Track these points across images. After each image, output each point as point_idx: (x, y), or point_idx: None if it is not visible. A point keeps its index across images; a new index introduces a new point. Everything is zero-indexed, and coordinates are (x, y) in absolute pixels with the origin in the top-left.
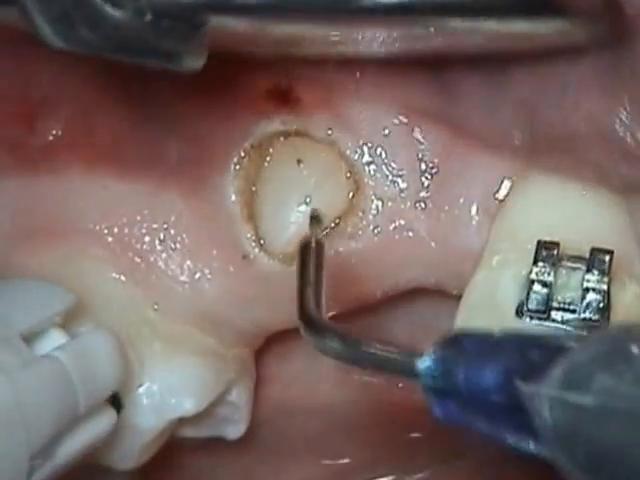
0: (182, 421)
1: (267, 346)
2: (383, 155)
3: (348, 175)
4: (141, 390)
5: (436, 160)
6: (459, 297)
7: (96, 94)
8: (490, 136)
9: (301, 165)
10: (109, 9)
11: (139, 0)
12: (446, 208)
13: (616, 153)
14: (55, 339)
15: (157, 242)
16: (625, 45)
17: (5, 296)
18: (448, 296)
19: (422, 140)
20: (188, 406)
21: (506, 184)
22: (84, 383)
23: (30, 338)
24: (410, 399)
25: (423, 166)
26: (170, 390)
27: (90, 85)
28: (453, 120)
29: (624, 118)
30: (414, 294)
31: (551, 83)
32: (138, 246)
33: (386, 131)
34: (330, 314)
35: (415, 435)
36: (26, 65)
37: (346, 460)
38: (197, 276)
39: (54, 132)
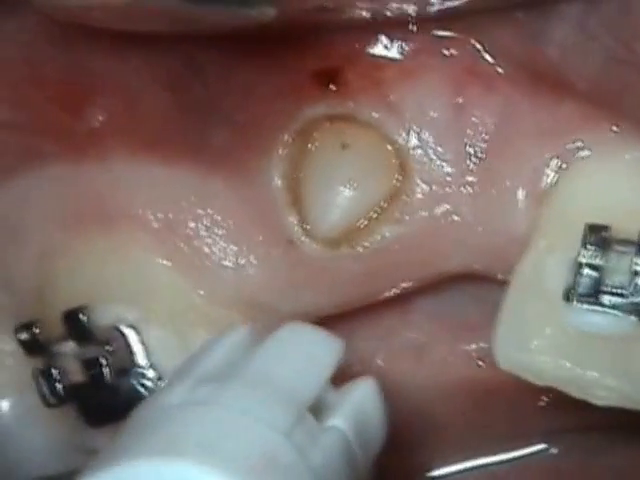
0: None
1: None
2: (430, 139)
3: (394, 159)
4: None
5: (483, 144)
6: (505, 282)
7: (142, 81)
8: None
9: (346, 149)
10: None
11: None
12: (493, 192)
13: None
14: (330, 400)
15: (202, 228)
16: None
17: (276, 358)
18: (495, 281)
19: (469, 124)
20: None
21: (554, 167)
22: (361, 446)
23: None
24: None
25: (470, 150)
26: None
27: (136, 72)
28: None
29: None
30: (462, 279)
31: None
32: (183, 231)
33: (432, 114)
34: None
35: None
36: (72, 51)
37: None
38: (242, 261)
39: (100, 118)
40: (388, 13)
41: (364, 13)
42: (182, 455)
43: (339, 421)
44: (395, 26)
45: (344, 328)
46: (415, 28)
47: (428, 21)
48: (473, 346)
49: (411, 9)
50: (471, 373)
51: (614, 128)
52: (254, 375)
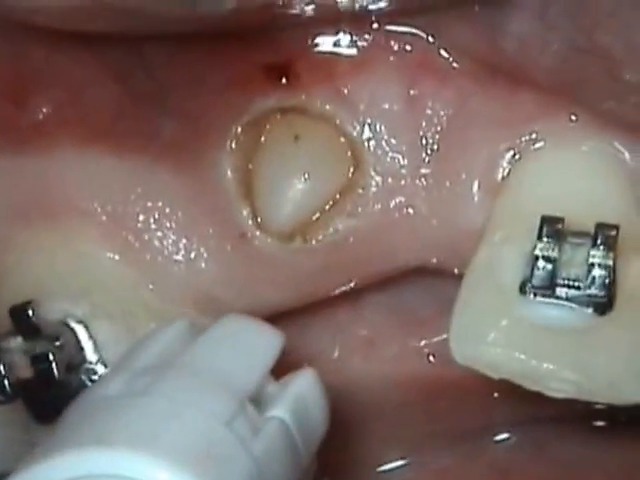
0: None
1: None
2: (383, 130)
3: (347, 151)
4: None
5: (437, 136)
6: (461, 276)
7: (88, 72)
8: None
9: (299, 141)
10: None
11: None
12: (447, 184)
13: None
14: (271, 392)
15: (152, 220)
16: None
17: (216, 349)
18: (449, 275)
19: (423, 115)
20: None
21: (509, 158)
22: (303, 436)
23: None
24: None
25: (424, 141)
26: None
27: (82, 63)
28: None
29: None
30: (414, 274)
31: None
32: (132, 225)
33: (386, 106)
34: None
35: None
36: (16, 43)
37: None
38: (193, 255)
39: (44, 110)
40: (340, 9)
41: (314, 9)
42: (120, 445)
43: (279, 411)
44: (348, 20)
45: (295, 323)
46: (369, 23)
47: (382, 16)
48: (424, 342)
49: (363, 5)
50: (422, 369)
51: (572, 118)
52: (194, 366)
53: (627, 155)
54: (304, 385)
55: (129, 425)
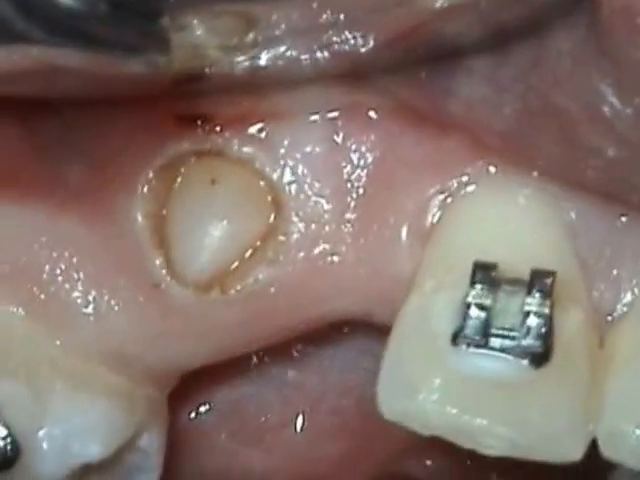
0: (87, 468)
1: None
2: (305, 173)
3: (268, 196)
4: (41, 433)
5: (363, 179)
6: (390, 327)
7: None
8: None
9: (216, 186)
10: None
11: None
12: (375, 229)
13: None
14: None
15: (58, 271)
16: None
17: None
18: (378, 326)
19: (347, 157)
20: (93, 451)
21: (439, 202)
22: None
23: None
24: None
25: (349, 185)
26: (73, 433)
27: None
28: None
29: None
30: (341, 325)
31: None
32: (37, 276)
33: (308, 148)
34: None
35: None
36: None
37: None
38: (103, 308)
39: None
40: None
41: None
42: None
43: None
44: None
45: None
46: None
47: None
48: None
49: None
50: None
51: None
52: None
53: (566, 203)
54: None
55: None
